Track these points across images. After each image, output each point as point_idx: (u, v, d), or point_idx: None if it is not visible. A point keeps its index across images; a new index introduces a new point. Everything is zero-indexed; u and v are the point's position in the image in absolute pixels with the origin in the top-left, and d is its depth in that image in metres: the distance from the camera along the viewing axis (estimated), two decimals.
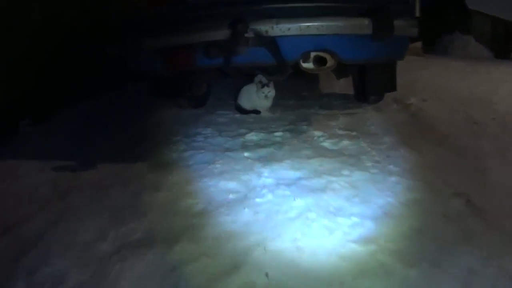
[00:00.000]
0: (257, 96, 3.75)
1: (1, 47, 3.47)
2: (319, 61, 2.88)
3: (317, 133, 3.04)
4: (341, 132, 3.09)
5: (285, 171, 2.37)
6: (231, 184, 2.21)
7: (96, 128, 3.52)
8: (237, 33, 2.46)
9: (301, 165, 2.45)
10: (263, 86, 3.72)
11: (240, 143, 2.93)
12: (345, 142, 2.80)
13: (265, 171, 2.32)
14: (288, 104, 4.19)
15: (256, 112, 3.84)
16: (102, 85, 4.53)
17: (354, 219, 1.85)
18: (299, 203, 2.01)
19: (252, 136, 3.05)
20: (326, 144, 2.80)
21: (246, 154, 2.68)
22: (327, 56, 2.83)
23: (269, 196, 2.08)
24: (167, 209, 2.04)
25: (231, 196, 2.12)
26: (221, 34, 2.54)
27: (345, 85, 4.70)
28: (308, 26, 2.55)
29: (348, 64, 3.10)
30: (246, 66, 3.08)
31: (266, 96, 3.71)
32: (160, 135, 3.24)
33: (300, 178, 2.26)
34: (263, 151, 2.72)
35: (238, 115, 3.79)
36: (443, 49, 8.09)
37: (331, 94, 4.64)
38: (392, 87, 3.75)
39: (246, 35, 2.47)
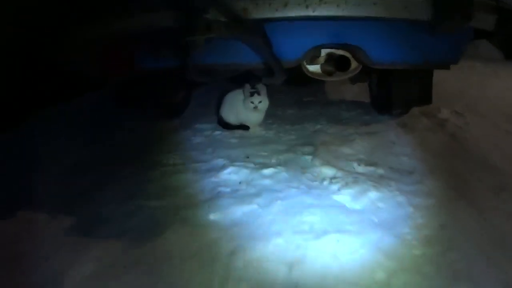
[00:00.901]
0: (245, 107, 2.62)
1: None
2: (336, 63, 1.73)
3: (327, 171, 1.93)
4: (361, 169, 1.98)
5: (272, 273, 1.22)
6: None
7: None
8: (193, 14, 1.30)
9: (302, 254, 1.31)
10: (252, 94, 2.57)
11: (210, 188, 1.80)
12: (372, 195, 1.67)
13: (235, 270, 1.19)
14: (286, 116, 3.08)
15: (244, 128, 2.69)
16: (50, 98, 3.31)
17: None
18: None
19: (230, 175, 1.95)
20: (343, 197, 1.67)
21: (212, 216, 1.57)
22: (348, 55, 1.68)
23: None
24: None
25: None
26: (168, 17, 1.38)
27: (358, 90, 3.53)
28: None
29: (377, 68, 1.93)
30: (219, 69, 1.91)
31: (256, 108, 2.56)
32: (92, 174, 2.08)
33: None
34: (239, 211, 1.60)
35: (219, 132, 2.65)
36: None
37: (341, 101, 3.50)
38: (427, 98, 2.60)
39: (208, 16, 1.31)
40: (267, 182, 1.85)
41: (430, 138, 2.55)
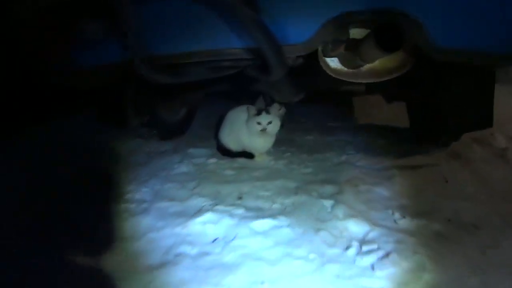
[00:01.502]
0: (249, 130, 1.94)
1: None
2: (380, 43, 0.99)
3: (355, 227, 1.23)
4: (406, 223, 1.26)
5: None
6: None
7: None
8: None
9: None
10: (259, 113, 1.90)
11: (169, 245, 1.14)
12: (428, 277, 0.90)
13: None
14: (303, 142, 2.39)
15: (247, 156, 2.01)
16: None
17: None
18: None
19: (205, 225, 1.28)
20: (381, 283, 0.90)
21: None
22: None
23: None
24: None
25: None
26: None
27: (395, 111, 2.79)
28: None
29: (438, 62, 1.16)
30: (182, 61, 1.21)
31: (264, 130, 1.88)
32: (40, 209, 1.46)
33: None
34: None
35: (214, 160, 1.99)
36: None
37: (372, 126, 2.74)
38: (488, 120, 1.85)
39: None
40: (255, 243, 1.13)
41: (492, 174, 1.78)
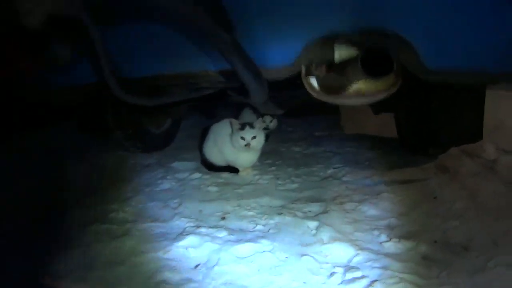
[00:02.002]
0: (233, 144, 1.91)
1: None
2: (368, 68, 0.96)
3: (340, 252, 1.21)
4: (393, 246, 1.23)
5: None
6: None
7: None
8: None
9: None
10: (243, 127, 1.88)
11: (151, 271, 1.14)
12: None
13: None
14: (290, 154, 2.38)
15: (232, 170, 1.99)
16: None
17: None
18: None
19: (186, 250, 1.27)
20: None
21: None
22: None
23: None
24: None
25: None
26: None
27: (383, 122, 2.79)
28: None
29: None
30: (150, 84, 1.19)
31: (247, 145, 1.86)
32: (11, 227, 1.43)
33: None
34: None
35: (198, 176, 1.96)
36: None
37: (361, 137, 2.74)
38: (479, 133, 1.86)
39: None
40: (238, 269, 1.11)
41: (482, 189, 1.70)
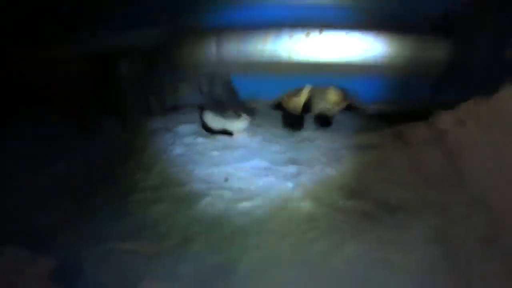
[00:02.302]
0: (227, 114, 2.45)
1: None
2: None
3: (306, 207, 1.79)
4: (344, 203, 1.83)
5: None
6: None
7: None
8: None
9: None
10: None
11: (184, 223, 1.73)
12: (347, 251, 1.51)
13: None
14: (273, 116, 2.80)
15: (227, 133, 2.53)
16: None
17: None
18: None
19: (206, 207, 1.90)
20: (313, 253, 1.52)
21: (181, 269, 1.49)
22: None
23: None
24: None
25: None
26: None
27: None
28: None
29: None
30: None
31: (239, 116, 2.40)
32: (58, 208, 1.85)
33: None
34: (209, 261, 1.52)
35: (201, 140, 2.47)
36: None
37: None
38: None
39: None
40: (241, 222, 1.71)
41: (426, 158, 2.12)
